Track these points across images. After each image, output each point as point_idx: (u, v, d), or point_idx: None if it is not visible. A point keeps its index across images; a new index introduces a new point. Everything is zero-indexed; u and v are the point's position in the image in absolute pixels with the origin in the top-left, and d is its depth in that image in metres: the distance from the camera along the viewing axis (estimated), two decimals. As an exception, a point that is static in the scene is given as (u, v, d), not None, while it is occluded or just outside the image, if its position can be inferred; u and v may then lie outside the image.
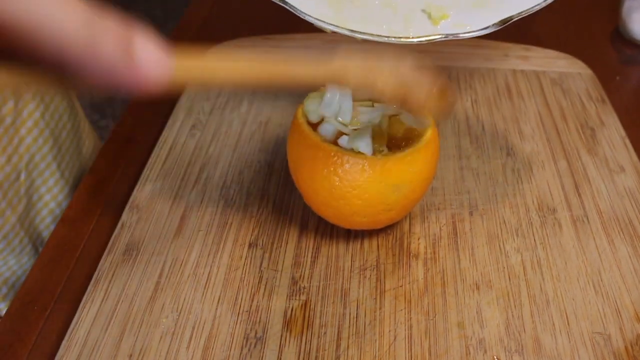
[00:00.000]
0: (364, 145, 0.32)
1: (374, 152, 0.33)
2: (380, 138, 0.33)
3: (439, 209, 0.41)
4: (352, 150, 0.33)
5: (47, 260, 0.39)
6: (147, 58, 0.22)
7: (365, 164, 0.32)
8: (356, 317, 0.34)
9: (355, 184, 0.33)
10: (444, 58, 0.57)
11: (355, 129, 0.33)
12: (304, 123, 0.34)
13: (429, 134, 0.34)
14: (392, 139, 0.34)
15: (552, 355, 0.32)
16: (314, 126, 0.35)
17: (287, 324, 0.34)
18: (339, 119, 0.33)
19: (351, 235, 0.39)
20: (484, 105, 0.51)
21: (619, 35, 0.63)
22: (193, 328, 0.34)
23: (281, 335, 0.33)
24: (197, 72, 0.26)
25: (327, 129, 0.34)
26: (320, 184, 0.34)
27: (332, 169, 0.33)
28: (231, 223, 0.40)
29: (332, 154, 0.33)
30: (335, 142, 0.33)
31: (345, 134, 0.33)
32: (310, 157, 0.34)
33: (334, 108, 0.33)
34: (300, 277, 0.36)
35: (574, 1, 0.70)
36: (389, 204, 0.34)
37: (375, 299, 0.35)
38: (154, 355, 0.32)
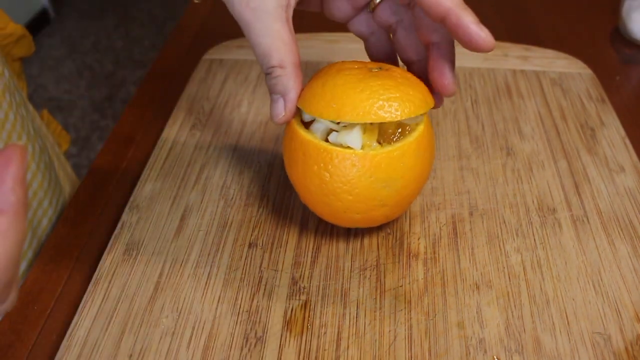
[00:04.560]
0: (353, 139, 0.32)
1: (364, 147, 0.33)
2: (371, 133, 0.33)
3: (439, 209, 0.41)
4: (341, 145, 0.33)
5: (47, 260, 0.39)
6: None
7: (355, 159, 0.32)
8: (356, 317, 0.34)
9: (345, 179, 0.33)
10: (444, 58, 0.57)
11: (345, 126, 0.33)
12: (296, 121, 0.35)
13: (421, 129, 0.34)
14: (384, 135, 0.34)
15: (552, 355, 0.32)
16: (307, 125, 0.35)
17: (287, 324, 0.34)
18: None
19: (351, 235, 0.39)
20: (484, 105, 0.51)
21: (619, 35, 0.63)
22: (193, 328, 0.34)
23: (281, 335, 0.33)
24: None
25: (318, 127, 0.34)
26: (311, 181, 0.34)
27: (322, 164, 0.33)
28: (231, 223, 0.40)
29: (322, 149, 0.33)
30: (326, 140, 0.34)
31: (336, 131, 0.33)
32: (301, 155, 0.34)
33: None
34: (300, 277, 0.36)
35: (574, 1, 0.70)
36: (380, 199, 0.34)
37: (375, 299, 0.35)
38: (154, 355, 0.32)
